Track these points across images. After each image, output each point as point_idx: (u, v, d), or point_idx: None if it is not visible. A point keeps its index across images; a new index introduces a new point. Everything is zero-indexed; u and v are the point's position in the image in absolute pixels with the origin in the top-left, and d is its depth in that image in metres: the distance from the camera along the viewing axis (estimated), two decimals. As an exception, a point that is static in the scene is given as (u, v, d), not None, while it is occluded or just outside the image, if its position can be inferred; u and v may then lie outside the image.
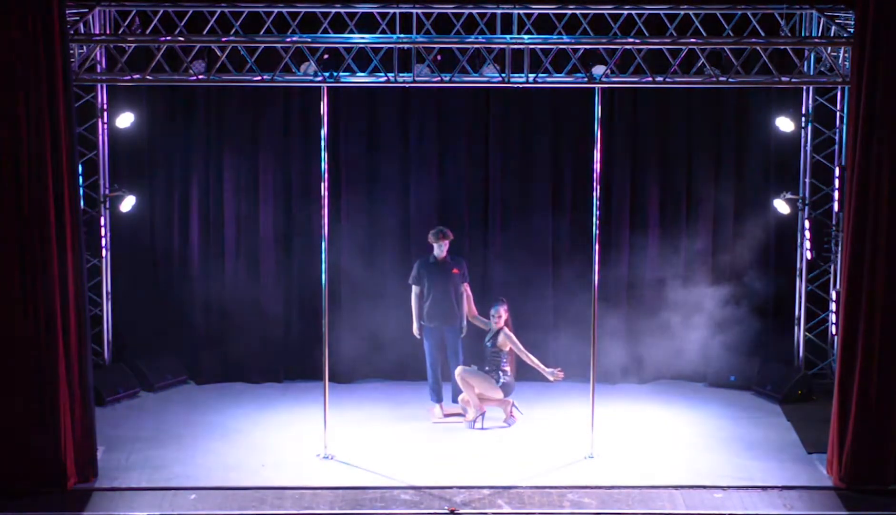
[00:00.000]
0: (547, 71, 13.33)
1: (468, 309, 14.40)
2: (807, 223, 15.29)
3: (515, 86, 13.42)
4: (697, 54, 13.19)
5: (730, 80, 13.29)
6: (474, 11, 13.55)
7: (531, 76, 13.26)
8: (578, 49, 13.11)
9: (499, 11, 13.51)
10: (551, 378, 13.93)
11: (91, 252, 14.74)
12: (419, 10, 13.49)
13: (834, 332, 14.66)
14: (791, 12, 13.91)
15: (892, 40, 12.11)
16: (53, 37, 12.02)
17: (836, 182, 14.70)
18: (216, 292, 15.57)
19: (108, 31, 14.02)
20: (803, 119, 15.26)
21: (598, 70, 13.11)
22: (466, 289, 14.38)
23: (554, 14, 13.73)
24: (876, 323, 12.38)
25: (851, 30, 12.68)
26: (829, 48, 13.56)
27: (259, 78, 13.23)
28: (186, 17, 13.55)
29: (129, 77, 13.40)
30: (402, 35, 13.37)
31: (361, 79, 13.37)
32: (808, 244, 15.27)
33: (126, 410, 14.68)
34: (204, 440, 13.74)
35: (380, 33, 13.51)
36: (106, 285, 15.42)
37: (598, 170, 13.34)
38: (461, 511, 12.00)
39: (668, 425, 14.29)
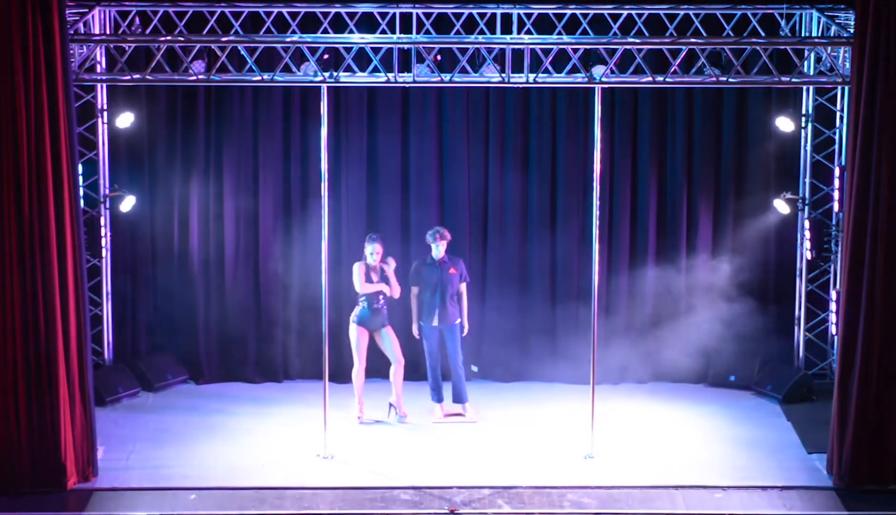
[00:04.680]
0: (547, 71, 13.33)
1: (461, 308, 14.38)
2: (807, 223, 15.29)
3: (515, 86, 13.42)
4: (697, 54, 13.18)
5: (730, 80, 13.28)
6: (474, 11, 13.56)
7: (531, 76, 13.26)
8: (578, 49, 13.11)
9: (499, 11, 13.51)
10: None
11: (91, 252, 14.73)
12: (419, 10, 13.50)
13: (834, 332, 14.65)
14: (791, 12, 13.91)
15: (892, 40, 12.11)
16: (53, 37, 12.03)
17: (836, 182, 14.70)
18: (216, 292, 15.58)
19: (108, 31, 14.02)
20: (803, 119, 15.26)
21: (598, 70, 13.11)
22: (463, 289, 14.35)
23: (554, 14, 13.74)
24: (876, 323, 12.38)
25: (851, 30, 12.68)
26: (829, 48, 13.56)
27: (259, 78, 13.23)
28: (186, 17, 13.56)
29: (129, 77, 13.39)
30: (402, 35, 13.37)
31: (361, 79, 13.38)
32: (808, 244, 15.27)
33: (126, 410, 14.69)
34: (204, 440, 13.75)
35: (380, 33, 13.51)
36: (106, 285, 15.42)
37: (599, 170, 13.34)
38: (461, 511, 12.00)
39: (668, 425, 14.29)
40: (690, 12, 13.75)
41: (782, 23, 13.85)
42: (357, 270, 14.08)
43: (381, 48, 13.18)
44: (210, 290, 15.59)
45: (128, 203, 15.21)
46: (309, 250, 15.17)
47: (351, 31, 13.63)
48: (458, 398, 14.43)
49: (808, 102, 15.24)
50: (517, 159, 15.48)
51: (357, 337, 14.17)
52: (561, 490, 12.43)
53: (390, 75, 13.20)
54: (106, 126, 15.14)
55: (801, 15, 14.17)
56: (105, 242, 15.21)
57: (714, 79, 13.26)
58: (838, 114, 14.99)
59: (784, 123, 15.16)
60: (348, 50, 13.19)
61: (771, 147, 15.47)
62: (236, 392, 15.36)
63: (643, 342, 15.56)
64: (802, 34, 14.21)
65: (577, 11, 13.71)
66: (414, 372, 15.31)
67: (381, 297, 14.14)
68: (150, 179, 15.42)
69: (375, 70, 13.23)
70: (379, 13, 13.60)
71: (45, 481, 12.38)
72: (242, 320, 15.63)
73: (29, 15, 11.90)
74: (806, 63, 14.23)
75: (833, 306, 15.04)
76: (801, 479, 12.79)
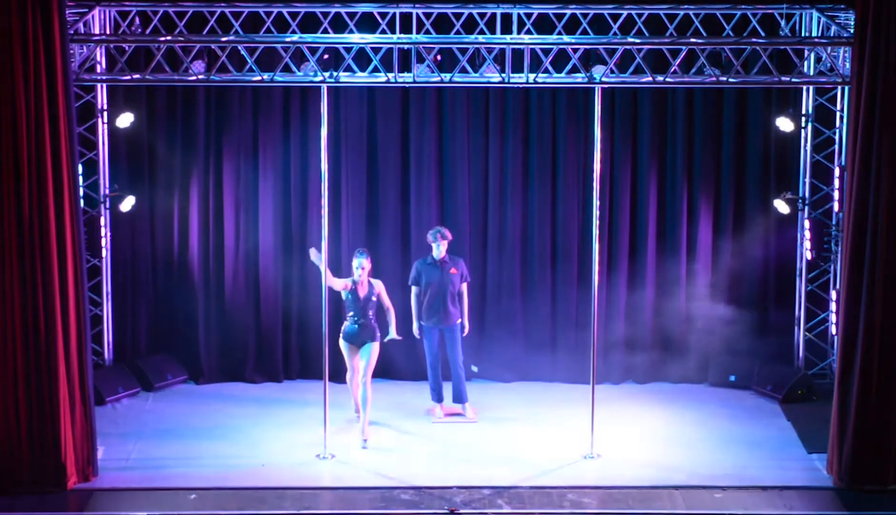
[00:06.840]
0: (547, 71, 13.33)
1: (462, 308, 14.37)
2: (807, 223, 15.29)
3: (515, 86, 13.43)
4: (697, 54, 13.19)
5: (730, 80, 13.29)
6: (474, 11, 13.56)
7: (531, 76, 13.27)
8: (578, 49, 13.11)
9: (499, 11, 13.51)
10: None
11: (91, 252, 14.73)
12: (419, 10, 13.50)
13: (834, 332, 14.65)
14: (791, 12, 13.91)
15: (892, 40, 12.11)
16: (53, 37, 12.03)
17: (836, 182, 14.71)
18: (216, 292, 15.58)
19: (108, 31, 14.02)
20: (803, 119, 15.26)
21: (598, 70, 13.12)
22: (464, 289, 14.35)
23: (554, 14, 13.74)
24: (876, 323, 12.38)
25: (851, 30, 12.68)
26: (829, 48, 13.57)
27: (259, 78, 13.23)
28: (186, 17, 13.56)
29: (129, 77, 13.41)
30: (402, 35, 13.37)
31: (361, 79, 13.38)
32: (808, 244, 15.27)
33: (126, 410, 14.68)
34: (204, 440, 13.75)
35: (380, 33, 13.50)
36: (106, 285, 15.42)
37: (599, 170, 13.34)
38: (461, 511, 12.00)
39: (668, 425, 14.29)
40: (690, 12, 13.75)
41: (782, 23, 13.85)
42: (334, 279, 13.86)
43: (381, 48, 13.18)
44: (210, 290, 15.59)
45: (128, 203, 15.21)
46: (308, 250, 15.17)
47: (351, 31, 13.63)
48: (458, 398, 14.43)
49: (808, 102, 15.24)
50: (517, 159, 15.47)
51: (347, 351, 14.11)
52: (561, 490, 12.43)
53: (390, 75, 13.20)
54: (106, 126, 15.14)
55: (801, 15, 14.17)
56: (105, 242, 15.21)
57: (714, 79, 13.26)
58: (838, 114, 14.99)
59: (784, 123, 15.16)
60: (348, 50, 13.19)
61: (771, 147, 15.47)
62: (236, 392, 15.36)
63: (643, 341, 15.56)
64: (802, 34, 14.20)
65: (577, 11, 13.71)
66: (414, 372, 15.34)
67: (370, 312, 13.97)
68: (150, 180, 15.42)
69: (375, 70, 13.23)
70: (379, 13, 13.60)
71: (45, 481, 12.37)
72: (242, 321, 15.63)
73: (29, 15, 11.90)
74: (806, 63, 14.23)
75: (833, 306, 15.04)
76: (801, 479, 12.79)
